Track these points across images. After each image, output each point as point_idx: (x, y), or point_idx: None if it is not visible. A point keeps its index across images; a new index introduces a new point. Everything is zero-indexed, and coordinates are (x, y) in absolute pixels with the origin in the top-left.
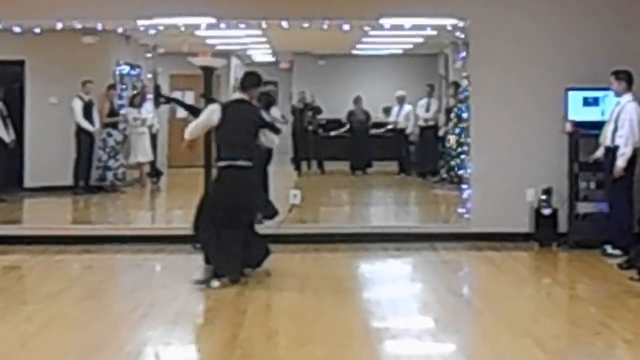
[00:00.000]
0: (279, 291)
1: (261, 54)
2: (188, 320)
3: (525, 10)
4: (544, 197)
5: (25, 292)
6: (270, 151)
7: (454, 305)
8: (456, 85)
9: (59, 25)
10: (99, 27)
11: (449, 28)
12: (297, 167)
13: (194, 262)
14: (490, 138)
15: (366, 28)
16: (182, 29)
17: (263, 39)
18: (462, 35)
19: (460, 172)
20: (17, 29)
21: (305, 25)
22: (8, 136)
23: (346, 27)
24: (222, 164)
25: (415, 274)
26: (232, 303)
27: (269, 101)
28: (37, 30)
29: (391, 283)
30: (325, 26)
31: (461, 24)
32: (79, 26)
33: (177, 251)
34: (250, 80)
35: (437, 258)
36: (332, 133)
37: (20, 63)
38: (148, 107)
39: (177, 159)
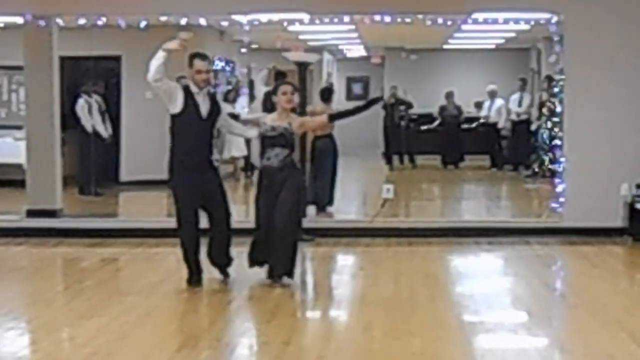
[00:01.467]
0: (373, 284)
1: (353, 49)
2: (284, 312)
3: (620, 4)
4: (638, 191)
5: (123, 283)
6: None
7: (547, 300)
8: (549, 79)
9: (155, 21)
10: (195, 22)
11: (543, 22)
12: (389, 162)
13: None
14: (583, 132)
15: (459, 22)
16: (277, 24)
17: (355, 34)
18: (556, 29)
19: (553, 166)
20: (114, 25)
21: (399, 19)
22: (105, 131)
23: (439, 21)
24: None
25: (508, 268)
26: (327, 296)
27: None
28: (134, 25)
29: (484, 277)
30: (418, 20)
31: (555, 18)
32: (175, 22)
33: None
34: None
35: (530, 252)
36: (424, 127)
37: (117, 58)
38: (242, 102)
39: None
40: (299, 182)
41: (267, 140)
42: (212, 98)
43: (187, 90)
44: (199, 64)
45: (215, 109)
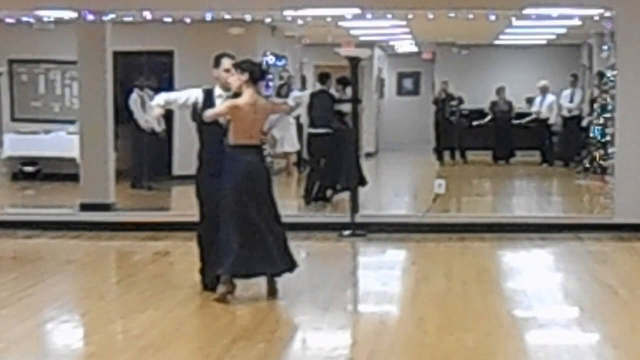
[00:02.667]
0: (425, 279)
1: (404, 45)
2: (337, 306)
3: None
4: None
5: (176, 277)
6: None
7: (600, 295)
8: (601, 75)
9: (208, 16)
10: (247, 18)
11: (595, 18)
12: (440, 157)
13: (342, 249)
14: (635, 128)
15: (510, 18)
16: (328, 19)
17: (406, 30)
18: (609, 25)
19: (604, 162)
20: (167, 20)
21: (451, 15)
22: (159, 125)
23: (491, 17)
24: None
25: (560, 263)
26: (380, 291)
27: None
28: (187, 21)
29: (536, 272)
30: (470, 16)
31: (607, 13)
32: (227, 17)
33: (323, 238)
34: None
35: (582, 248)
36: (475, 123)
37: (170, 53)
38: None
39: None
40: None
41: None
42: None
43: (208, 94)
44: (226, 62)
45: None
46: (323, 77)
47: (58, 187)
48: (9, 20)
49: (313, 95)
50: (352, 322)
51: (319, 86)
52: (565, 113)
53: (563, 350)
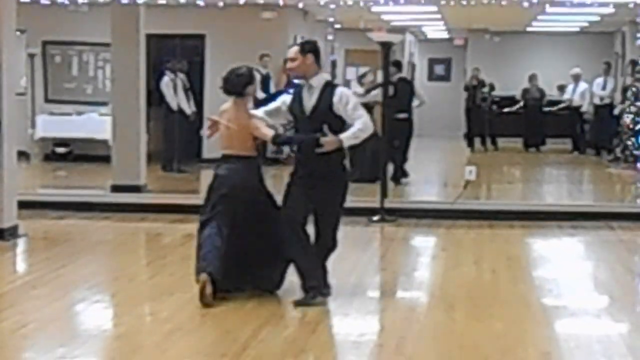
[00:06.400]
0: (455, 266)
1: (435, 31)
2: (365, 293)
3: None
4: None
5: None
6: None
7: (631, 285)
8: (634, 63)
9: (240, 0)
10: (279, 2)
11: (631, 6)
12: (470, 144)
13: (371, 235)
14: None
15: (543, 5)
16: (361, 4)
17: (438, 16)
18: None
19: (636, 151)
20: (200, 3)
21: (484, 1)
22: (189, 108)
23: (525, 3)
24: None
25: (591, 252)
26: (408, 276)
27: None
28: (219, 4)
29: (567, 261)
30: (503, 2)
31: None
32: (259, 1)
33: (352, 223)
34: None
35: (613, 237)
36: (506, 110)
37: (201, 37)
38: None
39: None
40: None
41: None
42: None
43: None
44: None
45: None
46: (399, 65)
47: (89, 168)
48: (43, 2)
49: (394, 84)
50: (381, 308)
51: (397, 74)
52: (597, 101)
53: (593, 339)
